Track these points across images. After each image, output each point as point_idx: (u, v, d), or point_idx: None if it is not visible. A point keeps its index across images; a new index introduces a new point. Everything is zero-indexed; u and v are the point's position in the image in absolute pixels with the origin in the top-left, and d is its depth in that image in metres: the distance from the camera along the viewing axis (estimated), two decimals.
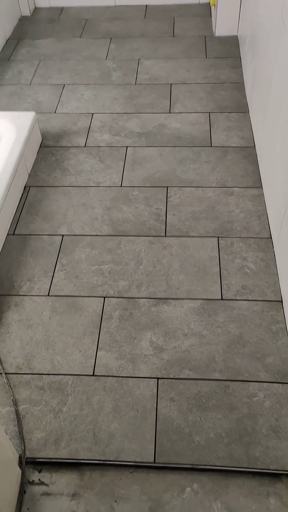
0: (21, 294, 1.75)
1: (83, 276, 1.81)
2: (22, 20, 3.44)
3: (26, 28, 3.35)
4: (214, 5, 3.03)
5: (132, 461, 1.33)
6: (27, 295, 1.75)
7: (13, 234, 1.97)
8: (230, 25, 3.03)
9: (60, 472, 1.32)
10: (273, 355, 1.54)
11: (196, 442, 1.36)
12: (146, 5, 3.50)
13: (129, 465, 1.32)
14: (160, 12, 3.41)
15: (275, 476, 1.30)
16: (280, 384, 1.47)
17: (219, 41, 3.06)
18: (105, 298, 1.73)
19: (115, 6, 3.52)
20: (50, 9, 3.55)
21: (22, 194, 2.15)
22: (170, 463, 1.32)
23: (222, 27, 3.04)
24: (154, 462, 1.33)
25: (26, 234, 1.97)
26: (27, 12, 3.48)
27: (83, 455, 1.34)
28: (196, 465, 1.31)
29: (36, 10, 3.56)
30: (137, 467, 1.32)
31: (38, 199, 2.12)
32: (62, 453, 1.35)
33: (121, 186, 2.16)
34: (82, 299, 1.73)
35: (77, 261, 1.86)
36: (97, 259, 1.86)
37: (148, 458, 1.34)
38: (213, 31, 3.13)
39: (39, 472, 1.32)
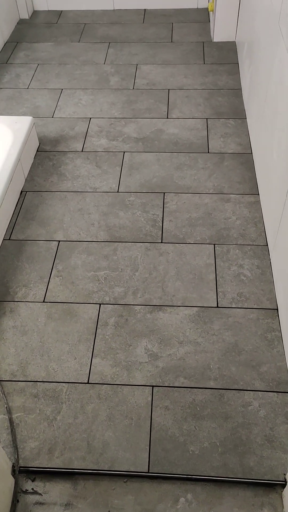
0: (16, 300, 1.75)
1: (79, 282, 1.80)
2: (21, 23, 3.44)
3: (25, 31, 3.35)
4: (212, 11, 3.04)
5: (126, 470, 1.32)
6: (23, 301, 1.74)
7: (9, 239, 1.97)
8: (228, 31, 3.04)
9: (54, 481, 1.31)
10: (268, 363, 1.54)
11: (190, 452, 1.36)
12: (145, 10, 3.51)
13: (123, 475, 1.32)
14: (159, 17, 3.42)
15: (269, 486, 1.29)
16: (275, 393, 1.47)
17: (217, 47, 3.07)
18: (101, 305, 1.73)
19: (114, 10, 3.53)
20: (49, 12, 3.56)
21: (19, 199, 2.14)
22: (164, 473, 1.32)
23: (220, 32, 3.05)
24: (148, 471, 1.32)
25: (22, 240, 1.97)
26: (25, 15, 3.48)
27: (77, 464, 1.34)
28: (190, 475, 1.31)
29: (35, 13, 3.56)
30: (131, 476, 1.32)
31: (35, 204, 2.12)
32: (56, 462, 1.34)
33: (118, 191, 2.16)
34: (77, 305, 1.73)
35: (73, 267, 1.85)
36: (93, 265, 1.85)
37: (142, 467, 1.33)
38: (211, 36, 3.14)
39: (33, 481, 1.31)
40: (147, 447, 1.37)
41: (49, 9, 3.57)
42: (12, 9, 3.38)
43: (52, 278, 1.82)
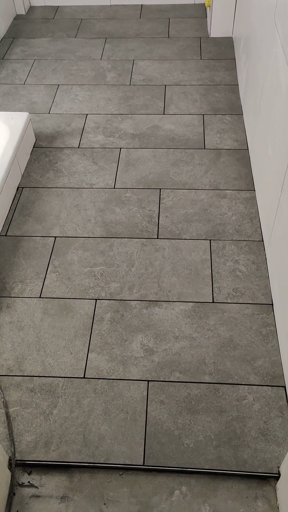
0: (12, 295, 1.76)
1: (75, 278, 1.81)
2: (17, 18, 3.43)
3: (21, 27, 3.33)
4: (209, 6, 3.03)
5: (122, 463, 1.34)
6: (19, 297, 1.75)
7: (5, 235, 1.97)
8: (225, 27, 3.03)
9: (50, 474, 1.32)
10: (263, 358, 1.56)
11: (185, 445, 1.37)
12: (142, 5, 3.50)
13: (118, 468, 1.33)
14: (156, 12, 3.41)
15: (263, 479, 1.31)
16: (270, 387, 1.48)
17: (214, 42, 3.06)
18: (97, 300, 1.74)
19: (111, 5, 3.52)
20: (46, 7, 3.54)
21: (15, 195, 2.15)
22: (159, 466, 1.33)
23: (217, 28, 3.05)
24: (144, 464, 1.34)
25: (18, 236, 1.97)
26: (22, 11, 3.47)
27: (73, 457, 1.35)
28: (185, 468, 1.32)
29: (32, 8, 3.54)
30: (127, 469, 1.33)
31: (31, 200, 2.12)
32: (52, 456, 1.35)
33: (114, 187, 2.16)
34: (74, 301, 1.74)
35: (69, 263, 1.86)
36: (89, 261, 1.86)
37: (138, 460, 1.35)
38: (208, 32, 3.13)
39: (29, 474, 1.33)
40: (143, 441, 1.38)
41: (46, 4, 3.56)
42: (9, 5, 3.36)
43: (49, 274, 1.82)
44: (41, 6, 3.56)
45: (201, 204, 2.07)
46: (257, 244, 1.89)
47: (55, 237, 1.96)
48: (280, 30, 1.66)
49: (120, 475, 1.32)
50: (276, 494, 1.28)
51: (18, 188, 2.18)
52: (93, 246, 1.91)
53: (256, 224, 1.97)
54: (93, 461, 1.34)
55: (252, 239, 1.91)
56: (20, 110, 2.61)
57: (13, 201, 2.12)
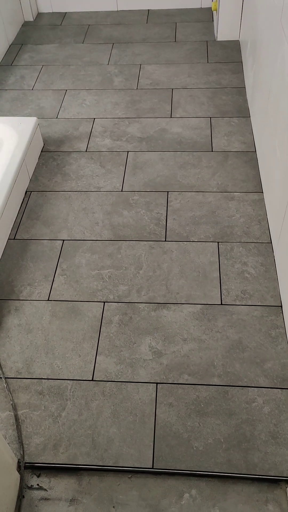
0: (21, 298, 1.76)
1: (83, 281, 1.81)
2: (25, 25, 3.47)
3: (29, 33, 3.37)
4: (216, 10, 3.04)
5: (131, 466, 1.33)
6: (27, 300, 1.76)
7: (14, 238, 1.99)
8: (231, 30, 3.04)
9: (59, 477, 1.32)
10: (272, 360, 1.54)
11: (194, 448, 1.36)
12: (148, 10, 3.52)
13: (127, 470, 1.32)
14: (162, 17, 3.43)
15: (273, 482, 1.30)
16: (279, 390, 1.47)
17: (221, 46, 3.07)
18: (105, 303, 1.74)
19: (117, 11, 3.54)
20: (53, 14, 3.58)
21: (23, 199, 2.16)
22: (168, 469, 1.32)
23: (223, 32, 3.05)
24: (153, 467, 1.33)
25: (26, 239, 1.98)
26: (30, 18, 3.51)
27: (82, 460, 1.35)
28: (195, 471, 1.31)
29: (39, 15, 3.58)
30: (136, 472, 1.32)
31: (39, 204, 2.13)
32: (61, 458, 1.35)
33: (121, 190, 2.17)
34: (82, 303, 1.74)
35: (77, 266, 1.86)
36: (97, 263, 1.87)
37: (147, 463, 1.34)
38: (215, 36, 3.14)
39: (38, 477, 1.32)
40: (151, 443, 1.37)
41: (53, 11, 3.60)
42: (17, 12, 3.41)
43: (57, 276, 1.83)
44: (49, 13, 3.59)
45: (209, 206, 2.07)
46: (266, 246, 1.88)
47: (63, 240, 1.96)
48: (287, 33, 1.66)
49: (129, 478, 1.31)
50: (287, 497, 1.26)
51: (26, 192, 2.19)
52: (101, 249, 1.92)
53: (265, 226, 1.96)
54: (102, 464, 1.33)
55: (260, 241, 1.90)
56: (29, 115, 2.63)
57: (21, 205, 2.13)
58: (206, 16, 3.40)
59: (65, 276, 1.83)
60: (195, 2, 3.46)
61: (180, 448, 1.36)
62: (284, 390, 1.47)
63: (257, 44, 2.33)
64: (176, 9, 3.49)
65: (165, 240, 1.93)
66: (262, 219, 1.99)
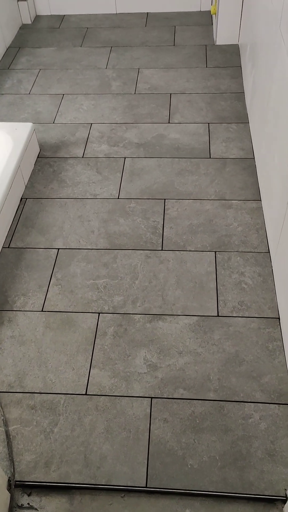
0: (15, 309, 1.73)
1: (78, 291, 1.78)
2: (23, 28, 3.44)
3: (27, 36, 3.34)
4: (215, 14, 3.01)
5: (124, 485, 1.30)
6: (21, 311, 1.73)
7: (8, 247, 1.96)
8: (231, 34, 3.01)
9: (50, 496, 1.29)
10: (269, 374, 1.51)
11: (189, 466, 1.33)
12: (147, 13, 3.49)
13: (120, 489, 1.29)
14: (161, 20, 3.40)
15: (270, 502, 1.27)
16: (276, 405, 1.44)
17: (220, 50, 3.04)
18: (100, 314, 1.71)
19: (116, 14, 3.51)
20: (51, 17, 3.55)
21: (19, 206, 2.13)
22: (162, 488, 1.29)
23: (223, 36, 3.02)
24: (146, 486, 1.30)
25: (21, 247, 1.95)
26: (28, 20, 3.48)
27: (74, 478, 1.32)
28: (189, 490, 1.28)
29: (37, 18, 3.55)
30: (129, 491, 1.29)
31: (35, 211, 2.10)
32: (52, 476, 1.32)
33: (118, 198, 2.14)
34: (76, 314, 1.71)
35: (72, 276, 1.83)
36: (92, 273, 1.84)
37: (140, 482, 1.31)
38: (214, 39, 3.11)
39: (29, 495, 1.29)
40: (145, 461, 1.34)
41: (52, 13, 3.57)
42: (15, 14, 3.38)
43: (51, 286, 1.80)
44: (47, 16, 3.57)
45: (206, 214, 2.03)
46: (264, 255, 1.85)
47: (58, 249, 1.93)
48: (286, 38, 1.63)
49: (122, 497, 1.28)
50: None
51: (21, 199, 2.17)
52: (96, 258, 1.89)
53: (263, 235, 1.93)
54: (94, 483, 1.30)
55: (258, 251, 1.87)
56: (25, 120, 2.61)
57: (16, 212, 2.10)
58: (206, 19, 3.37)
59: (60, 286, 1.80)
60: (195, 5, 3.43)
61: (174, 466, 1.33)
62: (281, 405, 1.44)
63: (256, 49, 2.30)
64: (175, 12, 3.46)
65: (162, 249, 1.90)
66: (260, 228, 1.96)
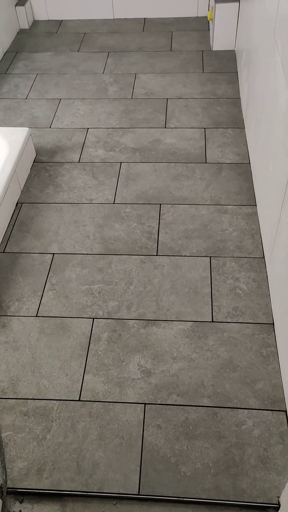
0: (9, 314, 1.73)
1: (72, 296, 1.78)
2: (21, 33, 3.45)
3: (24, 41, 3.35)
4: (212, 20, 3.02)
5: (116, 492, 1.29)
6: (15, 316, 1.73)
7: (3, 252, 1.96)
8: (227, 40, 3.02)
9: (42, 503, 1.29)
10: (263, 381, 1.51)
11: (182, 473, 1.33)
12: (145, 19, 3.50)
13: (112, 497, 1.29)
14: (159, 26, 3.41)
15: (262, 509, 1.26)
16: (270, 412, 1.44)
17: (217, 55, 3.05)
18: (94, 319, 1.70)
19: (114, 19, 3.53)
20: (49, 22, 3.56)
21: (14, 211, 2.13)
22: (154, 495, 1.29)
23: (219, 41, 3.04)
24: (139, 493, 1.29)
25: (16, 252, 1.95)
26: (25, 25, 3.49)
27: (66, 485, 1.31)
28: (182, 497, 1.28)
29: (35, 23, 3.56)
30: (121, 498, 1.29)
31: (30, 216, 2.10)
32: (45, 483, 1.32)
33: (113, 203, 2.14)
34: (70, 320, 1.71)
35: (67, 281, 1.83)
36: (87, 278, 1.83)
37: (132, 489, 1.30)
38: (211, 45, 3.12)
39: (21, 502, 1.29)
40: (138, 468, 1.34)
41: (49, 18, 3.58)
42: (12, 19, 3.39)
43: (46, 291, 1.80)
44: (45, 20, 3.58)
45: (202, 219, 2.04)
46: (258, 261, 1.85)
47: (53, 253, 1.93)
48: (279, 45, 1.64)
49: (114, 504, 1.28)
50: None
51: (17, 203, 2.17)
52: (91, 263, 1.89)
53: (258, 240, 1.93)
54: (86, 490, 1.30)
55: (253, 256, 1.87)
56: (22, 125, 2.61)
57: (12, 217, 2.10)
58: (202, 25, 3.38)
59: (55, 291, 1.80)
60: (192, 11, 3.45)
61: (167, 473, 1.33)
62: (274, 412, 1.43)
63: (251, 55, 2.31)
64: (173, 18, 3.47)
65: (157, 255, 1.90)
66: (255, 233, 1.96)
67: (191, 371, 1.54)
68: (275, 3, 1.72)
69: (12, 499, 1.29)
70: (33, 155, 2.38)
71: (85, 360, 1.59)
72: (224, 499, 1.27)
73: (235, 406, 1.45)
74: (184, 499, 1.27)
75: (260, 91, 1.99)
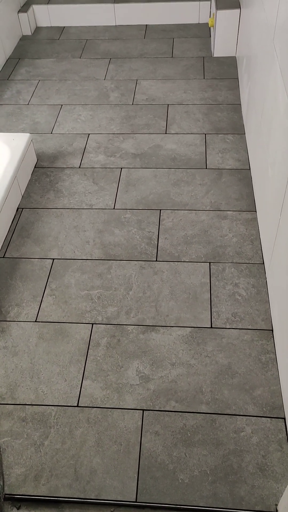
0: (8, 319, 1.73)
1: (72, 301, 1.78)
2: (23, 39, 3.48)
3: (27, 47, 3.38)
4: (213, 26, 3.04)
5: (113, 499, 1.29)
6: (15, 321, 1.73)
7: (3, 257, 1.96)
8: (228, 46, 3.04)
9: (39, 509, 1.28)
10: (262, 387, 1.50)
11: (180, 480, 1.32)
12: (146, 25, 3.53)
13: (110, 504, 1.28)
14: (160, 32, 3.43)
15: None
16: (268, 419, 1.43)
17: (217, 62, 3.06)
18: (93, 325, 1.70)
19: (116, 26, 3.55)
20: (51, 28, 3.59)
21: (15, 216, 2.14)
22: (152, 502, 1.28)
23: (220, 48, 3.05)
24: (136, 500, 1.29)
25: (16, 257, 1.96)
26: (28, 32, 3.52)
27: (63, 492, 1.31)
28: (179, 505, 1.27)
29: (38, 29, 3.59)
30: (118, 505, 1.28)
31: (31, 221, 2.11)
32: (42, 490, 1.31)
33: (114, 208, 2.14)
34: (70, 325, 1.71)
35: (66, 286, 1.83)
36: (86, 284, 1.84)
37: (130, 496, 1.30)
38: (212, 51, 3.14)
39: (18, 509, 1.28)
40: (136, 475, 1.33)
41: (52, 25, 3.61)
42: (15, 26, 3.42)
43: (45, 297, 1.80)
44: (47, 27, 3.60)
45: (202, 225, 2.04)
46: (258, 267, 1.85)
47: (53, 259, 1.94)
48: (278, 52, 1.64)
49: (111, 511, 1.27)
50: None
51: (18, 209, 2.17)
52: (91, 269, 1.89)
53: (257, 246, 1.93)
54: (83, 497, 1.29)
55: (252, 262, 1.87)
56: (23, 131, 2.63)
57: (12, 222, 2.11)
58: (204, 31, 3.40)
59: (54, 296, 1.80)
60: (193, 18, 3.47)
61: (165, 480, 1.32)
62: (273, 419, 1.43)
63: (251, 61, 2.32)
64: (174, 24, 3.49)
65: (156, 260, 1.91)
66: (255, 239, 1.96)
67: (189, 377, 1.54)
68: (274, 11, 1.73)
69: (10, 506, 1.28)
70: (34, 160, 2.39)
71: (83, 365, 1.59)
72: (222, 506, 1.27)
73: (233, 413, 1.45)
74: (182, 506, 1.27)
75: (260, 97, 1.99)
